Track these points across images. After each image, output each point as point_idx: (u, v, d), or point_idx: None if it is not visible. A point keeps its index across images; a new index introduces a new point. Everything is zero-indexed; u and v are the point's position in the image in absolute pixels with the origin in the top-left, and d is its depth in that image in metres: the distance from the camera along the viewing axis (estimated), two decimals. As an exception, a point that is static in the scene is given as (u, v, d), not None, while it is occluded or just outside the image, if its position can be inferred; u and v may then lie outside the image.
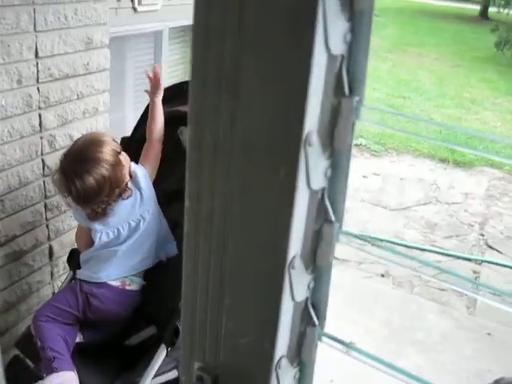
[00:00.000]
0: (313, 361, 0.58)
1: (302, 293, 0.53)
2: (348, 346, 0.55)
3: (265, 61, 0.43)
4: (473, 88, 12.67)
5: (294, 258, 0.49)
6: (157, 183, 2.52)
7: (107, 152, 2.25)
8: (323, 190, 0.50)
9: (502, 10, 24.06)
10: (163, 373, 2.38)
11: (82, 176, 2.19)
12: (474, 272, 5.22)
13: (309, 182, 0.47)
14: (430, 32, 19.87)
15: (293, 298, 0.52)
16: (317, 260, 0.53)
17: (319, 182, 0.48)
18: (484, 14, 26.10)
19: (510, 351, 3.90)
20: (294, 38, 0.41)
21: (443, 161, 8.18)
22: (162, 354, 2.30)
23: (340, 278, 4.51)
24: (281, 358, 0.55)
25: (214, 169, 0.48)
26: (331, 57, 0.44)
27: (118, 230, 2.39)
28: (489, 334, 4.13)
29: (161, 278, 2.53)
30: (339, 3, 0.42)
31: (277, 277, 0.49)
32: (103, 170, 2.21)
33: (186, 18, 4.06)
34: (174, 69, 4.28)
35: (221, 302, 0.52)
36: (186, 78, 4.36)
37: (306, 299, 0.55)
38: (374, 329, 3.99)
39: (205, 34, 0.45)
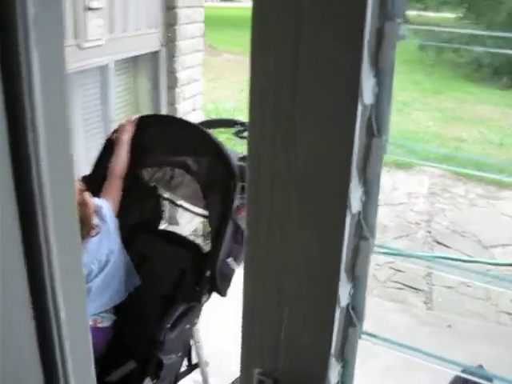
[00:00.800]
0: (354, 357, 0.69)
1: (345, 299, 0.64)
2: (387, 340, 0.66)
3: (317, 111, 0.54)
4: (404, 91, 13.10)
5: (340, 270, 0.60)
6: (120, 217, 2.55)
7: None
8: (359, 212, 0.60)
9: (421, 12, 24.72)
10: (150, 406, 2.41)
11: None
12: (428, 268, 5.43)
13: (350, 207, 0.58)
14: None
15: (339, 304, 0.63)
16: (355, 270, 0.64)
17: (357, 206, 0.59)
18: (404, 16, 26.88)
19: (471, 340, 4.10)
20: (342, 93, 0.52)
21: (385, 164, 8.45)
22: None
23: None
24: (330, 356, 0.65)
25: (272, 199, 0.58)
26: (364, 106, 0.55)
27: (90, 266, 2.42)
28: (449, 326, 4.32)
29: (133, 310, 2.57)
30: (368, 64, 0.53)
31: (331, 286, 0.59)
32: None
33: (130, 50, 4.14)
34: (121, 100, 4.34)
35: (280, 311, 0.62)
36: (133, 108, 4.43)
37: (348, 304, 0.65)
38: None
39: (262, 90, 0.55)
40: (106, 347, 2.49)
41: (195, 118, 4.85)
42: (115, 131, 2.75)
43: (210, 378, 2.75)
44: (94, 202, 2.43)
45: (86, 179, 2.77)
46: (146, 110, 4.42)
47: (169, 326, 2.33)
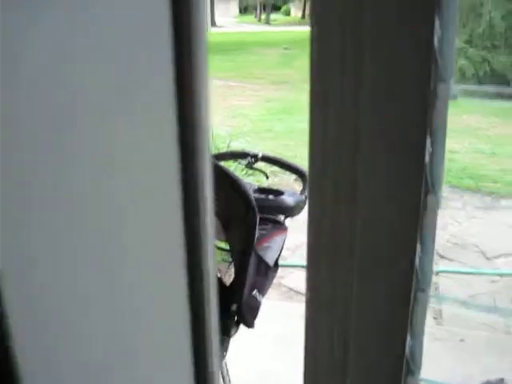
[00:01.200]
0: (414, 404, 0.70)
1: (405, 349, 0.65)
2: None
3: (380, 174, 0.56)
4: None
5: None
6: None
7: None
8: (418, 265, 0.62)
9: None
10: None
11: None
12: (434, 283, 5.43)
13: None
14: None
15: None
16: (413, 321, 0.65)
17: (416, 261, 0.61)
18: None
19: (485, 354, 4.09)
20: (408, 156, 0.54)
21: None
22: None
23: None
24: (394, 406, 0.66)
25: (334, 261, 0.59)
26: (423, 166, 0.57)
27: None
28: (462, 340, 4.31)
29: None
30: (426, 124, 0.55)
31: (397, 340, 0.61)
32: None
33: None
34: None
35: (345, 367, 0.64)
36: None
37: (407, 354, 0.67)
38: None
39: (322, 154, 0.57)
40: None
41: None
42: None
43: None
44: None
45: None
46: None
47: None
